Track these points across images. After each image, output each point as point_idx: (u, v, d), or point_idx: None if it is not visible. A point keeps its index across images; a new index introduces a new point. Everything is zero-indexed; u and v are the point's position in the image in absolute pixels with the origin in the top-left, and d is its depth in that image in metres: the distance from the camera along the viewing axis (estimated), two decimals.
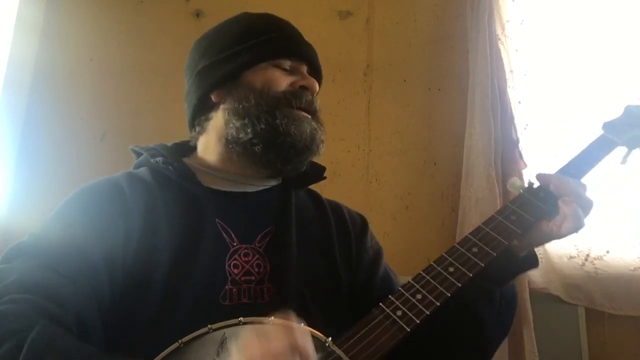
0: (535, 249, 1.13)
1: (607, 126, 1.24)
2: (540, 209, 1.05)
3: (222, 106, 1.18)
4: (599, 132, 1.24)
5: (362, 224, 1.30)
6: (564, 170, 1.13)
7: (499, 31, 2.24)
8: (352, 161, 2.36)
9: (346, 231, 1.25)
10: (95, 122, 2.39)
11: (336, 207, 1.30)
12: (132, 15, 2.50)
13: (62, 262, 0.94)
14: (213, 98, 1.19)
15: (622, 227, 1.99)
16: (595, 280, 1.98)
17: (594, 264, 2.00)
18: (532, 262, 1.11)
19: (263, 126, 1.12)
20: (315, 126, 1.18)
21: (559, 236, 1.05)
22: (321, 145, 1.19)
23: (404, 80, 2.41)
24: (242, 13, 1.28)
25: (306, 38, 1.26)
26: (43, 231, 1.02)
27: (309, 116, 1.18)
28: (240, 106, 1.14)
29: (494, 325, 1.08)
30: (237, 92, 1.16)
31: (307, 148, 1.15)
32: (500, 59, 2.21)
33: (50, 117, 2.38)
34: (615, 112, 1.27)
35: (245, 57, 1.17)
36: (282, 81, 1.17)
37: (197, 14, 2.47)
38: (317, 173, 1.30)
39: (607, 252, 1.99)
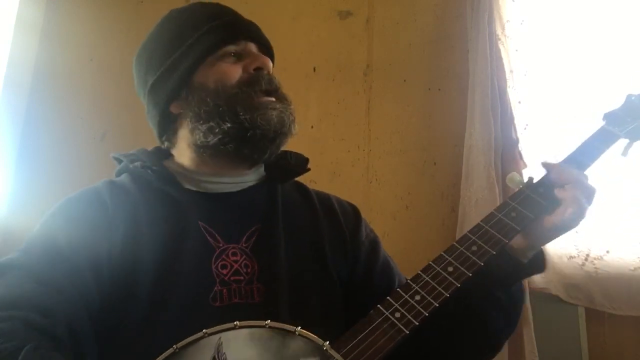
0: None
1: (608, 117, 1.21)
2: (540, 205, 1.03)
3: (184, 115, 1.16)
4: (599, 123, 1.21)
5: (354, 215, 1.28)
6: (564, 163, 1.12)
7: (499, 31, 2.23)
8: (352, 161, 2.36)
9: (337, 222, 1.22)
10: (95, 122, 2.39)
11: (324, 199, 1.28)
12: (132, 15, 2.49)
13: (48, 273, 0.94)
14: (173, 110, 1.17)
15: (622, 226, 1.99)
16: (595, 280, 1.98)
17: (594, 264, 1.99)
18: (538, 266, 1.09)
19: (229, 124, 1.09)
20: (281, 107, 1.14)
21: (563, 226, 1.02)
22: (293, 125, 1.16)
23: (404, 80, 2.41)
24: (170, 12, 1.24)
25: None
26: (29, 246, 1.02)
27: (272, 99, 1.14)
28: (201, 111, 1.11)
29: (501, 323, 1.08)
30: (194, 97, 1.13)
31: (279, 133, 1.13)
32: (500, 59, 2.21)
33: (50, 117, 2.38)
34: (615, 103, 1.24)
35: (187, 60, 1.14)
36: (233, 72, 1.14)
37: None
38: (301, 165, 1.28)
39: (607, 252, 1.99)
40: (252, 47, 1.19)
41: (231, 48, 1.16)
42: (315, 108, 2.39)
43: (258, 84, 1.13)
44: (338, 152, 2.36)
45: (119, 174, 1.20)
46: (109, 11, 2.50)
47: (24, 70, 2.39)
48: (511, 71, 2.21)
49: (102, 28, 2.49)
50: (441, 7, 2.45)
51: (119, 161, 1.22)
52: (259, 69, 1.15)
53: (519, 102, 2.19)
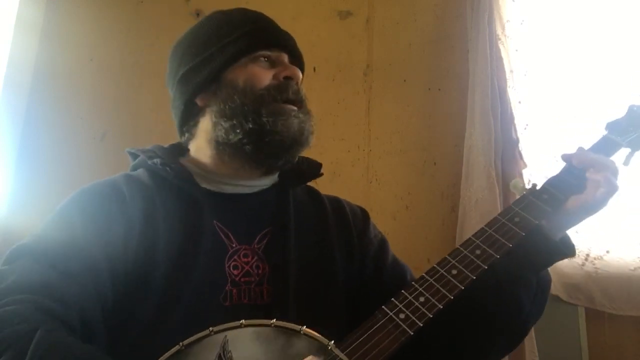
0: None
1: (610, 126, 1.23)
2: (543, 211, 1.05)
3: (208, 109, 1.18)
4: (602, 132, 1.23)
5: (363, 217, 1.30)
6: (566, 170, 1.14)
7: (499, 31, 2.24)
8: (352, 161, 2.36)
9: (346, 224, 1.24)
10: (95, 122, 2.39)
11: (335, 202, 1.30)
12: (132, 15, 2.49)
13: (64, 261, 0.94)
14: (198, 102, 1.19)
15: (622, 227, 1.99)
16: (595, 280, 1.99)
17: (594, 264, 2.00)
18: (569, 248, 1.11)
19: (251, 125, 1.11)
20: (303, 118, 1.16)
21: (594, 205, 1.07)
22: (310, 136, 1.18)
23: (404, 80, 2.41)
24: (213, 12, 1.27)
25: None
26: (44, 232, 1.02)
27: (295, 108, 1.16)
28: (227, 107, 1.13)
29: (529, 310, 1.09)
30: (221, 93, 1.15)
31: (296, 142, 1.14)
32: (500, 59, 2.21)
33: (50, 117, 2.38)
34: (618, 112, 1.26)
35: (222, 56, 1.17)
36: (264, 76, 1.16)
37: (197, 14, 2.46)
38: (313, 170, 1.29)
39: (607, 252, 1.99)
40: (285, 57, 1.22)
41: (265, 53, 1.18)
42: (315, 108, 2.38)
43: (285, 92, 1.15)
44: (338, 152, 2.36)
45: (135, 168, 1.21)
46: (109, 11, 2.50)
47: (24, 70, 2.38)
48: (511, 71, 2.22)
49: (102, 28, 2.49)
50: (441, 7, 2.46)
51: (135, 156, 1.22)
52: (288, 78, 1.17)
53: (519, 102, 2.20)
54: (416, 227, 2.25)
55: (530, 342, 1.93)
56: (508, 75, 2.21)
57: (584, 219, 1.10)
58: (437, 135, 2.34)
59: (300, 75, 1.21)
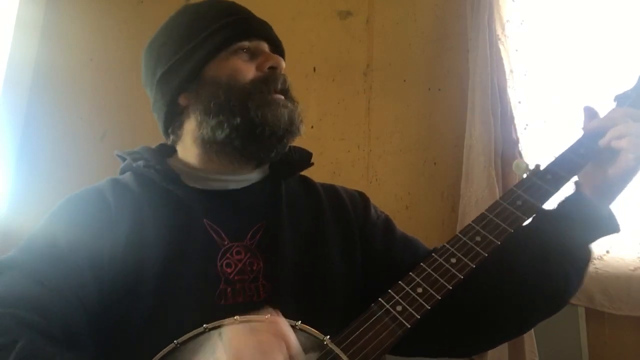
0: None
1: (619, 99, 1.17)
2: (547, 192, 1.00)
3: (192, 108, 1.14)
4: (610, 105, 1.16)
5: (362, 201, 1.27)
6: (571, 149, 1.09)
7: (499, 31, 2.24)
8: (352, 161, 2.36)
9: (344, 211, 1.22)
10: (95, 122, 2.39)
11: (331, 190, 1.27)
12: (132, 16, 2.49)
13: (47, 273, 0.93)
14: (181, 102, 1.15)
15: (622, 227, 1.98)
16: (595, 280, 1.98)
17: (594, 264, 1.99)
18: (617, 224, 1.10)
19: (239, 120, 1.08)
20: (292, 107, 1.14)
21: (629, 172, 1.03)
22: (301, 125, 1.15)
23: (404, 80, 2.41)
24: (183, 7, 1.22)
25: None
26: (28, 244, 1.01)
27: (283, 97, 1.13)
28: (212, 104, 1.10)
29: (576, 284, 1.09)
30: (204, 90, 1.12)
31: (287, 132, 1.12)
32: (500, 59, 2.21)
33: (50, 117, 2.38)
34: (628, 84, 1.18)
35: (201, 52, 1.13)
36: (247, 69, 1.13)
37: None
38: (304, 159, 1.26)
39: (607, 252, 1.98)
40: (265, 46, 1.18)
41: (245, 44, 1.15)
42: (315, 108, 2.39)
43: (274, 83, 1.13)
44: (338, 152, 2.36)
45: (122, 172, 1.19)
46: (109, 11, 2.50)
47: (24, 70, 2.39)
48: (511, 71, 2.21)
49: (102, 28, 2.49)
50: (441, 7, 2.46)
51: (123, 159, 1.20)
52: (273, 68, 1.15)
53: (519, 102, 2.19)
54: (416, 227, 2.24)
55: (530, 341, 1.92)
56: (508, 75, 2.21)
57: (622, 188, 1.07)
58: (437, 135, 2.34)
59: (283, 64, 1.17)
